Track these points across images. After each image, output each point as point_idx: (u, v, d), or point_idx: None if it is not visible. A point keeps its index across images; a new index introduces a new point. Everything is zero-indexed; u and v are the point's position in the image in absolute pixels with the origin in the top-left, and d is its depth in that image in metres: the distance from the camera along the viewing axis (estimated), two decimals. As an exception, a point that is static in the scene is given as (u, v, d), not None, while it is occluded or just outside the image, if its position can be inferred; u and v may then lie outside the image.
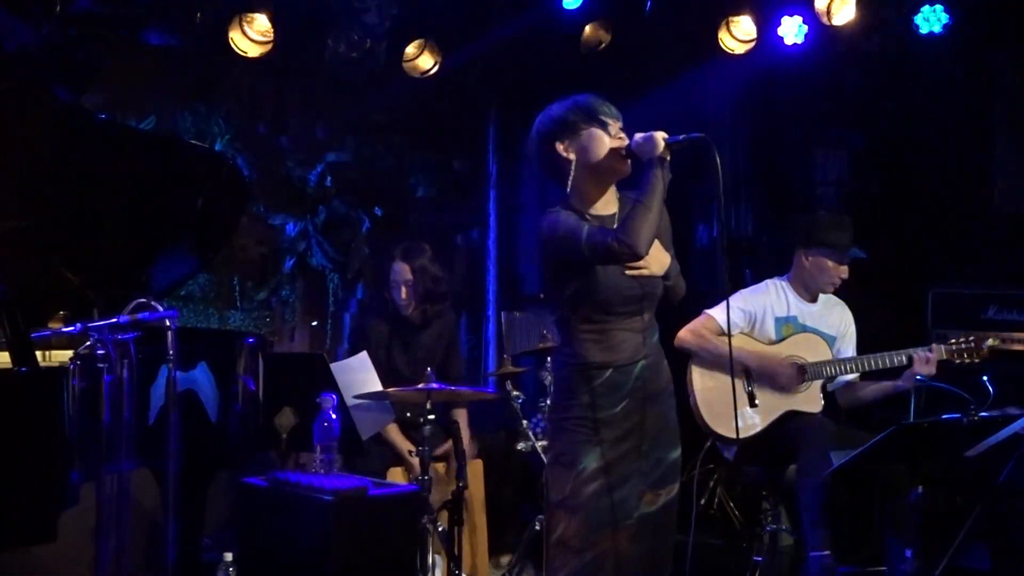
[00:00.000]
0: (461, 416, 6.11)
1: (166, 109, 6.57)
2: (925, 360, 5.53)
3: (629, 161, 4.00)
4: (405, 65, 6.76)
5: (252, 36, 6.26)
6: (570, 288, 4.00)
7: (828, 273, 5.74)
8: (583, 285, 3.99)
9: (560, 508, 4.03)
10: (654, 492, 4.06)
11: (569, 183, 4.05)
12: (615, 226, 4.00)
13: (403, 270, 6.08)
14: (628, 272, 4.00)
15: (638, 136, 3.96)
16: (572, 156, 4.03)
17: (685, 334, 5.70)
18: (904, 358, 5.58)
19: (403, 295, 6.08)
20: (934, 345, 5.58)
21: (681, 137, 3.92)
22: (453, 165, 8.02)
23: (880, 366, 5.63)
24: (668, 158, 3.91)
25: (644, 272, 4.01)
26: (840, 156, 7.06)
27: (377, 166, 7.62)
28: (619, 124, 4.04)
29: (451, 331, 6.35)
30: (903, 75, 7.20)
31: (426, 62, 6.84)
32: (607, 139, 4.00)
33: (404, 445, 5.88)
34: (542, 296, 4.18)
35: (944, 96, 7.08)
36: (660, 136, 3.90)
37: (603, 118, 4.01)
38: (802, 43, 7.03)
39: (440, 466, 5.90)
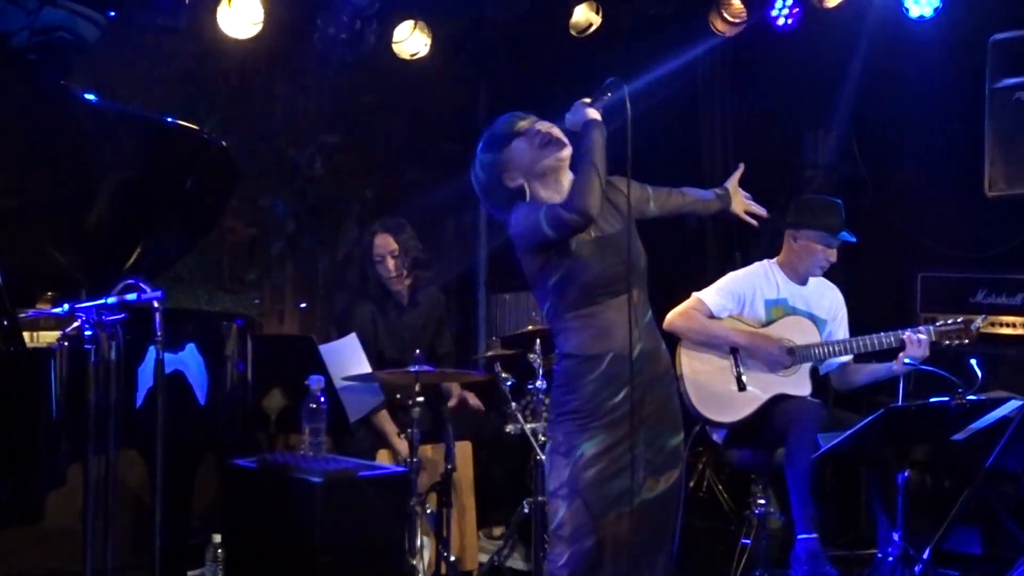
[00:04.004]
0: (455, 385, 6.12)
1: (155, 90, 6.55)
2: (917, 343, 5.52)
3: (566, 146, 4.05)
4: (395, 47, 6.74)
5: (241, 17, 6.24)
6: (553, 277, 4.00)
7: (816, 256, 5.74)
8: (566, 270, 3.99)
9: (558, 497, 4.02)
10: (654, 478, 4.04)
11: (529, 197, 4.08)
12: None
13: (387, 242, 6.06)
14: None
15: (567, 116, 4.04)
16: (520, 180, 4.07)
17: (674, 317, 5.70)
18: (893, 340, 5.57)
19: (391, 267, 6.05)
20: (923, 327, 5.58)
21: (599, 95, 4.04)
22: (443, 147, 8.00)
23: (870, 348, 5.63)
24: (599, 118, 3.98)
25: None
26: (829, 139, 7.04)
27: (367, 148, 7.60)
28: (531, 119, 4.09)
29: (439, 311, 6.33)
30: (893, 58, 7.19)
31: (416, 44, 6.82)
32: (525, 145, 4.04)
33: (392, 430, 5.89)
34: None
35: (934, 79, 7.07)
36: (583, 101, 4.02)
37: (512, 131, 4.07)
38: (793, 25, 7.03)
39: (428, 448, 5.89)
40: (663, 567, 4.12)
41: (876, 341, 5.60)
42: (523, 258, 4.08)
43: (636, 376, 4.00)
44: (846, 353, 5.69)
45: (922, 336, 5.52)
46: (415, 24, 6.70)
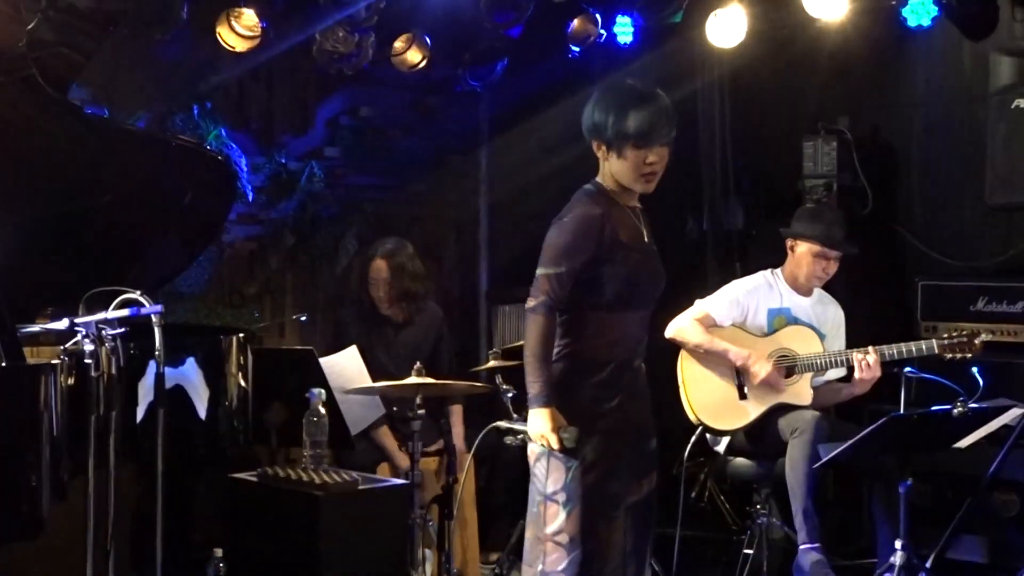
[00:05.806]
0: (456, 412, 6.10)
1: (154, 104, 6.55)
2: (867, 365, 5.49)
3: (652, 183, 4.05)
4: (394, 59, 6.74)
5: (240, 31, 6.24)
6: (593, 269, 3.97)
7: (811, 266, 5.72)
8: (613, 267, 3.98)
9: (556, 501, 4.03)
10: (639, 482, 4.11)
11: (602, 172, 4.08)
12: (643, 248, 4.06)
13: (381, 268, 6.08)
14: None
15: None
16: (604, 157, 4.04)
17: (677, 326, 5.69)
18: (843, 359, 5.56)
19: (380, 292, 6.08)
20: (871, 348, 5.53)
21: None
22: (445, 159, 8.00)
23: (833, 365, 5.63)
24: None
25: None
26: (829, 149, 7.04)
27: (367, 161, 7.60)
28: (667, 147, 4.02)
29: (438, 327, 6.31)
30: (893, 67, 7.20)
31: (415, 56, 6.81)
32: (631, 162, 3.98)
33: (393, 445, 5.88)
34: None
35: (934, 88, 7.07)
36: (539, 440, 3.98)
37: (648, 145, 3.96)
38: (789, 35, 7.03)
39: (432, 461, 5.89)
40: (648, 567, 4.21)
41: (836, 359, 5.59)
42: (574, 240, 3.98)
43: (630, 385, 4.08)
44: (841, 365, 5.66)
45: (872, 356, 5.49)
46: (413, 36, 6.69)
